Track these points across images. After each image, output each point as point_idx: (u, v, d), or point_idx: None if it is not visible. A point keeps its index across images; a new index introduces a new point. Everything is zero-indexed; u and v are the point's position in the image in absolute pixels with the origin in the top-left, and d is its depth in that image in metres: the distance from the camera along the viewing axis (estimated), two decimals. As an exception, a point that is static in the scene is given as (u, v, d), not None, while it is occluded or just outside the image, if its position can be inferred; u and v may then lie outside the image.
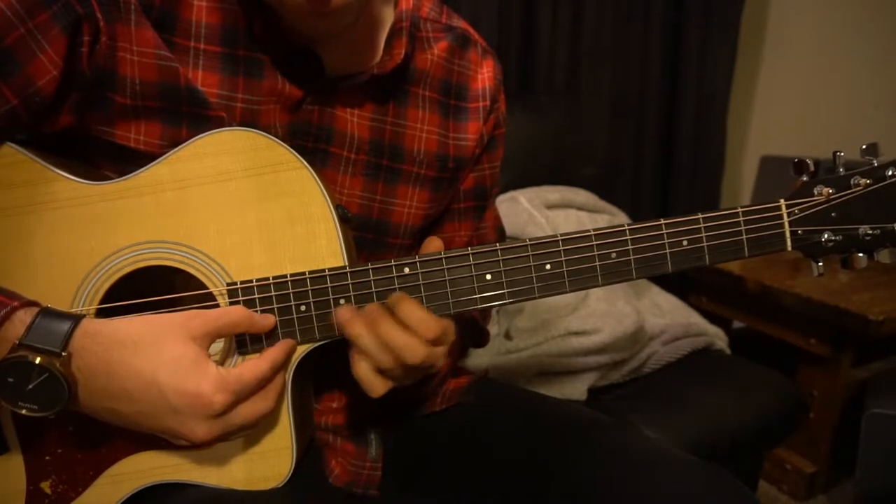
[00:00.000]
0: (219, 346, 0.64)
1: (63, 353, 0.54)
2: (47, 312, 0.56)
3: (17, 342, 0.54)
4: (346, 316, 0.63)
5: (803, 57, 2.29)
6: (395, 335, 0.61)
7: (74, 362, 0.55)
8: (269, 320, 0.63)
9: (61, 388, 0.54)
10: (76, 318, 0.56)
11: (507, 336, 1.40)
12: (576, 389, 1.28)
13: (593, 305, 1.43)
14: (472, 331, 0.91)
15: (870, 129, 2.09)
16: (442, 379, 0.85)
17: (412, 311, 0.62)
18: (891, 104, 2.06)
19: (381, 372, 0.64)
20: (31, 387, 0.54)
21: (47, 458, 0.65)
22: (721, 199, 2.36)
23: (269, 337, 0.64)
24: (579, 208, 1.67)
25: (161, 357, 0.56)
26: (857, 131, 2.10)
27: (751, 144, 2.47)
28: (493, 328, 1.45)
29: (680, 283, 1.88)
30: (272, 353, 0.62)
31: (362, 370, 0.63)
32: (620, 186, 2.18)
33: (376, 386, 0.64)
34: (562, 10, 1.94)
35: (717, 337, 1.53)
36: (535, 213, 1.54)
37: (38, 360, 0.53)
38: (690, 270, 1.89)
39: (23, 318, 0.55)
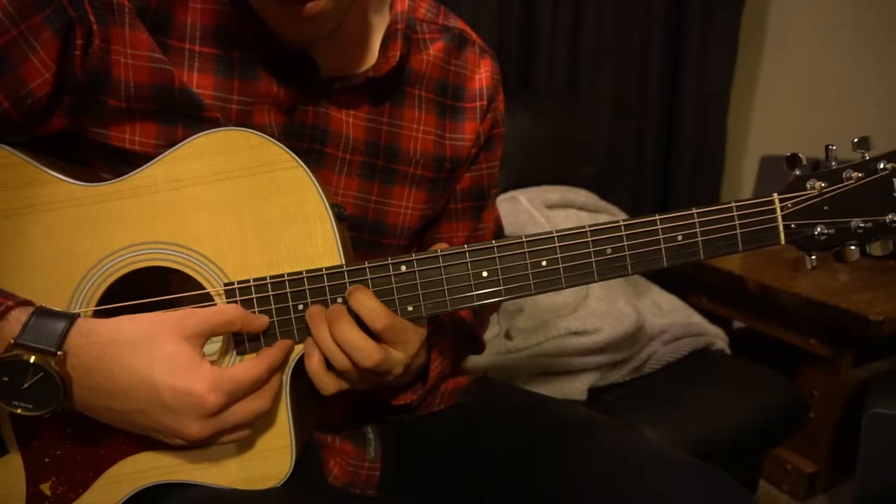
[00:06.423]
0: (216, 345, 0.64)
1: (58, 352, 0.54)
2: (42, 311, 0.56)
3: (13, 341, 0.54)
4: (313, 314, 0.63)
5: (803, 57, 2.29)
6: (349, 334, 0.61)
7: (69, 361, 0.55)
8: (263, 319, 0.63)
9: (56, 386, 0.54)
10: (71, 317, 0.56)
11: (507, 336, 1.40)
12: (576, 389, 1.28)
13: (593, 305, 1.43)
14: (467, 337, 0.90)
15: (870, 129, 2.07)
16: (439, 381, 0.84)
17: (362, 301, 0.62)
18: (891, 104, 2.06)
19: (339, 374, 0.64)
20: (26, 386, 0.54)
21: (46, 459, 0.65)
22: (721, 199, 2.35)
23: (267, 336, 0.64)
24: (579, 208, 1.67)
25: (155, 355, 0.56)
26: (858, 131, 2.08)
27: (751, 144, 2.46)
28: (493, 328, 1.44)
29: (680, 283, 1.88)
30: (269, 354, 0.62)
31: (313, 365, 0.63)
32: (620, 186, 2.18)
33: (326, 384, 0.64)
34: (562, 10, 1.94)
35: (718, 337, 1.52)
36: (535, 212, 1.54)
37: (33, 359, 0.53)
38: (690, 269, 1.90)
39: (18, 316, 0.55)
